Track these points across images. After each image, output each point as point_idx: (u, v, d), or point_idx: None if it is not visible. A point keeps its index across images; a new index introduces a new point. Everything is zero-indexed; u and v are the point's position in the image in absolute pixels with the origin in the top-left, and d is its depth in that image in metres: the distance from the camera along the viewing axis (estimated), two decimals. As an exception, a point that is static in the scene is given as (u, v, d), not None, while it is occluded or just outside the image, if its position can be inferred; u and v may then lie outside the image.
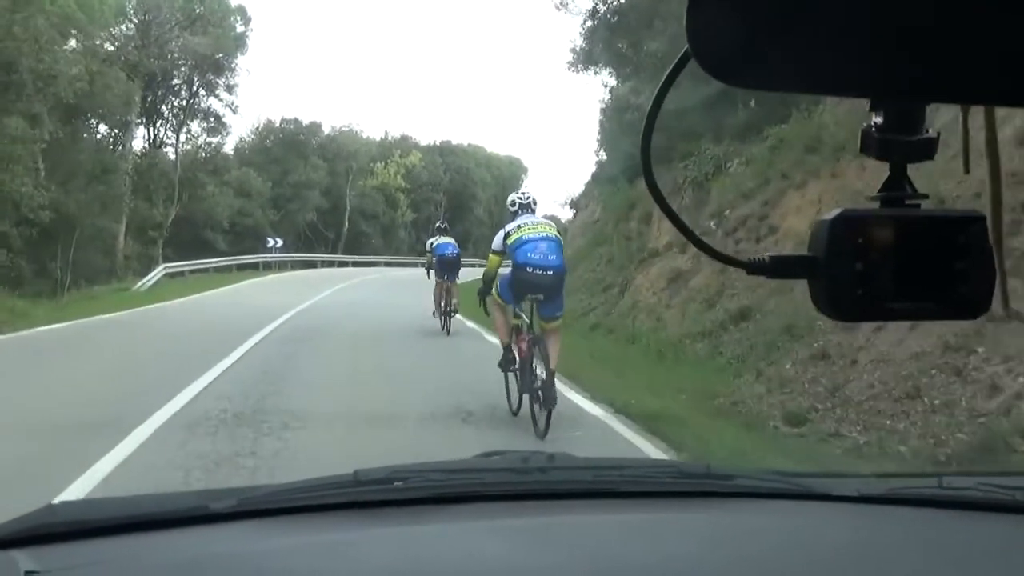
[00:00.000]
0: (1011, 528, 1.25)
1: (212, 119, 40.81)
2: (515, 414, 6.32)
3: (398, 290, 24.57)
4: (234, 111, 41.43)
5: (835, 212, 0.59)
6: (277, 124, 52.61)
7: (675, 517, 1.36)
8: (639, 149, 0.58)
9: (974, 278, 0.58)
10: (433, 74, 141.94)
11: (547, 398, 5.62)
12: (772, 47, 0.40)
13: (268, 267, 39.49)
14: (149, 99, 37.99)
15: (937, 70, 0.41)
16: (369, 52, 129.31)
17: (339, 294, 24.05)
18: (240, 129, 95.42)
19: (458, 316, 13.25)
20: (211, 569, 1.10)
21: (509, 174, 74.49)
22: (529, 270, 5.95)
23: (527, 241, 6.00)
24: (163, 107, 39.56)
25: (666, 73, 0.52)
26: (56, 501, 1.30)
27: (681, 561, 1.14)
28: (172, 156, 39.13)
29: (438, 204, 61.38)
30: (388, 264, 51.32)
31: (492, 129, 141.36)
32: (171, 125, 39.73)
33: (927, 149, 0.59)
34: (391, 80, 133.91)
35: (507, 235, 6.15)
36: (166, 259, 36.77)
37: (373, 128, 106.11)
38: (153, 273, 25.47)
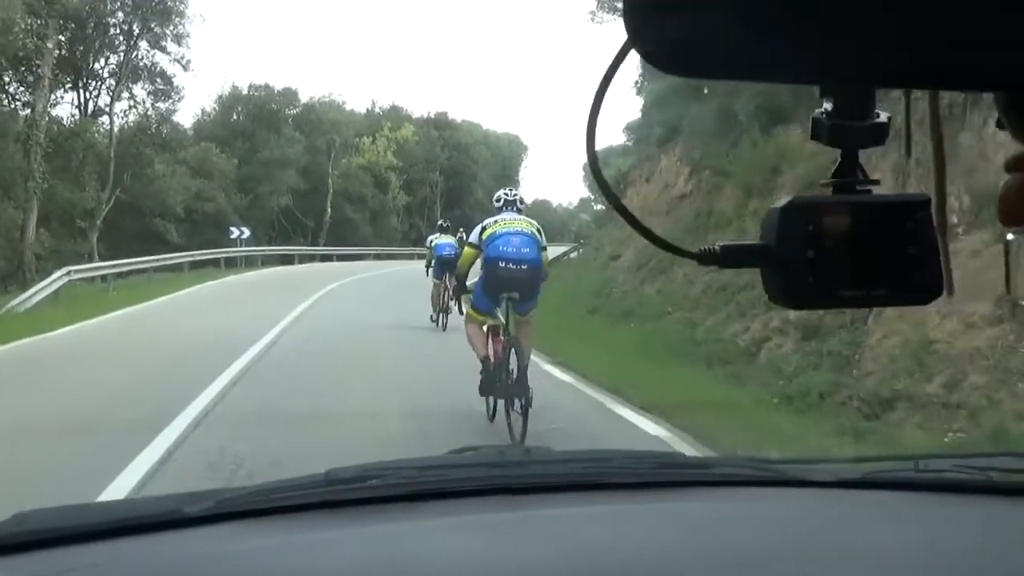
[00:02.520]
0: (987, 509, 1.28)
1: (159, 80, 32.66)
2: (491, 420, 6.03)
3: (404, 301, 16.96)
4: (185, 67, 33.44)
5: (786, 199, 0.59)
6: (245, 92, 44.47)
7: (653, 507, 1.37)
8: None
9: (926, 263, 0.59)
10: (422, 42, 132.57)
11: (522, 396, 5.54)
12: (717, 34, 0.39)
13: (232, 264, 31.66)
14: (80, 52, 29.88)
15: (887, 54, 0.41)
16: (349, 14, 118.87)
17: (321, 311, 16.29)
18: (200, 98, 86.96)
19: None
20: (186, 573, 1.11)
21: (509, 153, 66.99)
22: (502, 264, 5.80)
23: (500, 235, 5.89)
24: (98, 66, 31.45)
25: (607, 67, 0.52)
26: (27, 509, 1.24)
27: (660, 551, 1.15)
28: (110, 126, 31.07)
29: (434, 185, 53.38)
30: (378, 256, 43.54)
31: (488, 104, 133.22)
32: (109, 88, 31.60)
33: (878, 134, 0.59)
34: (375, 48, 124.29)
35: (484, 228, 6.05)
36: (101, 256, 28.91)
37: (357, 100, 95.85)
38: (46, 282, 17.50)
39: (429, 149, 52.63)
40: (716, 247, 0.61)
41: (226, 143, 41.37)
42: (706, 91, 17.03)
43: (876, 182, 0.61)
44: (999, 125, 0.47)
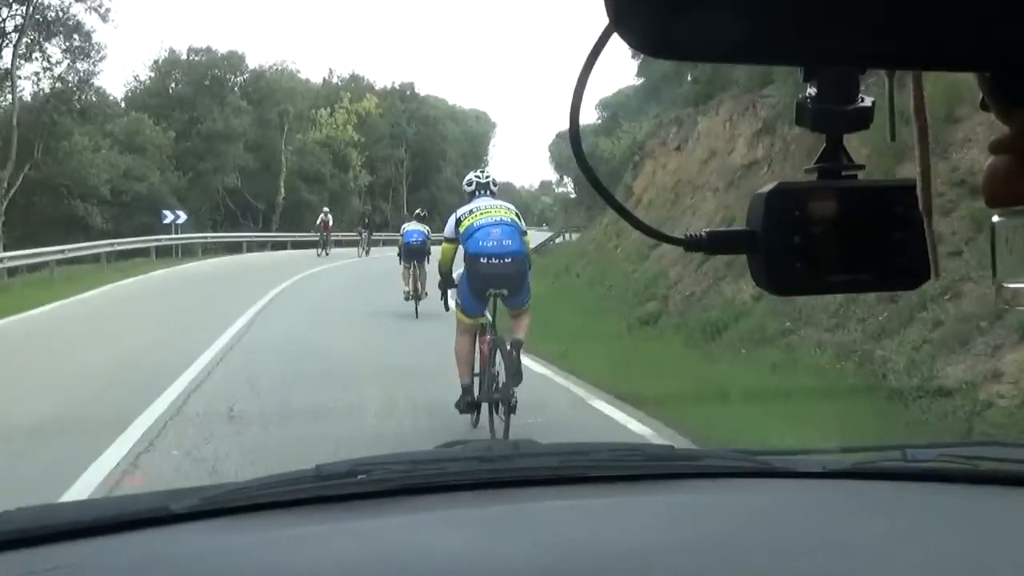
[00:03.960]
0: (974, 498, 1.29)
1: (75, 36, 27.38)
2: (475, 425, 5.51)
3: (381, 307, 12.45)
4: (104, 18, 28.03)
5: (772, 185, 0.59)
6: (184, 56, 39.11)
7: (642, 500, 1.37)
8: None
9: (912, 247, 0.59)
10: (383, 11, 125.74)
11: (507, 400, 5.22)
12: (700, 15, 0.39)
13: (167, 253, 26.69)
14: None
15: (869, 36, 0.41)
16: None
17: (269, 328, 11.69)
18: (131, 63, 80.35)
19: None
20: (172, 570, 1.10)
21: (478, 130, 62.35)
22: (483, 260, 5.34)
23: (478, 228, 5.39)
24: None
25: (589, 50, 0.52)
26: (14, 508, 1.22)
27: (648, 543, 1.15)
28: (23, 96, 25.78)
29: (399, 163, 48.46)
30: (339, 244, 38.63)
31: (454, 79, 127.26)
32: (13, 44, 26.23)
33: (863, 118, 0.60)
34: (330, 15, 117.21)
35: (459, 220, 5.52)
36: (5, 245, 23.86)
37: (312, 71, 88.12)
38: None
39: (394, 123, 47.64)
40: (703, 233, 0.61)
41: (163, 114, 36.16)
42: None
43: (861, 167, 0.61)
44: (983, 106, 0.47)
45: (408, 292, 12.34)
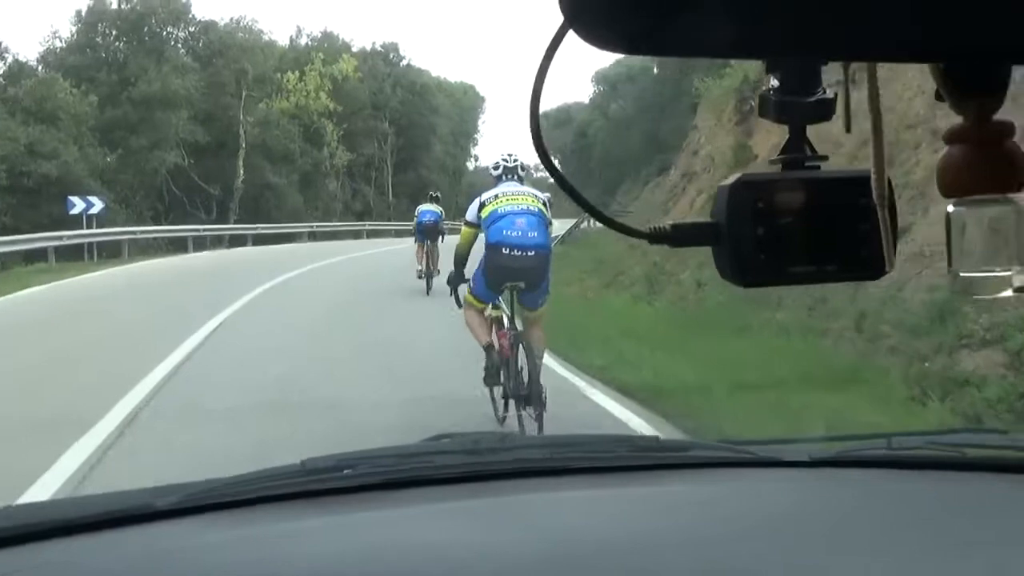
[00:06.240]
0: (959, 485, 1.30)
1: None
2: (501, 423, 5.10)
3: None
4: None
5: (735, 177, 0.60)
6: (114, 5, 31.25)
7: (629, 491, 1.37)
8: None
9: (873, 238, 0.59)
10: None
11: (537, 403, 4.82)
12: (655, 10, 0.39)
13: (75, 255, 19.18)
14: None
15: (825, 27, 0.41)
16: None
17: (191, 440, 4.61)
18: (47, 15, 69.98)
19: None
20: (159, 566, 1.10)
21: (467, 104, 55.07)
22: (504, 251, 4.96)
23: (502, 216, 5.01)
24: None
25: (545, 47, 0.53)
26: (14, 504, 1.21)
27: (637, 533, 1.15)
28: None
29: (383, 139, 40.84)
30: (314, 235, 31.23)
31: (439, 49, 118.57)
32: None
33: (825, 109, 0.60)
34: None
35: (482, 205, 5.12)
36: None
37: (276, 32, 73.98)
38: None
39: (376, 90, 39.99)
40: (667, 226, 0.61)
41: (86, 76, 28.46)
42: None
43: (824, 158, 0.61)
44: (938, 97, 0.47)
45: (420, 270, 12.75)
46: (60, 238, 18.50)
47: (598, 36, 0.41)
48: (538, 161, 0.79)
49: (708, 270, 13.70)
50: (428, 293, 12.08)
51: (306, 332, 8.75)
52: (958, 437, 1.43)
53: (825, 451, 1.42)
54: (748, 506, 1.25)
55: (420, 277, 12.80)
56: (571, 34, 0.44)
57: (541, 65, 0.53)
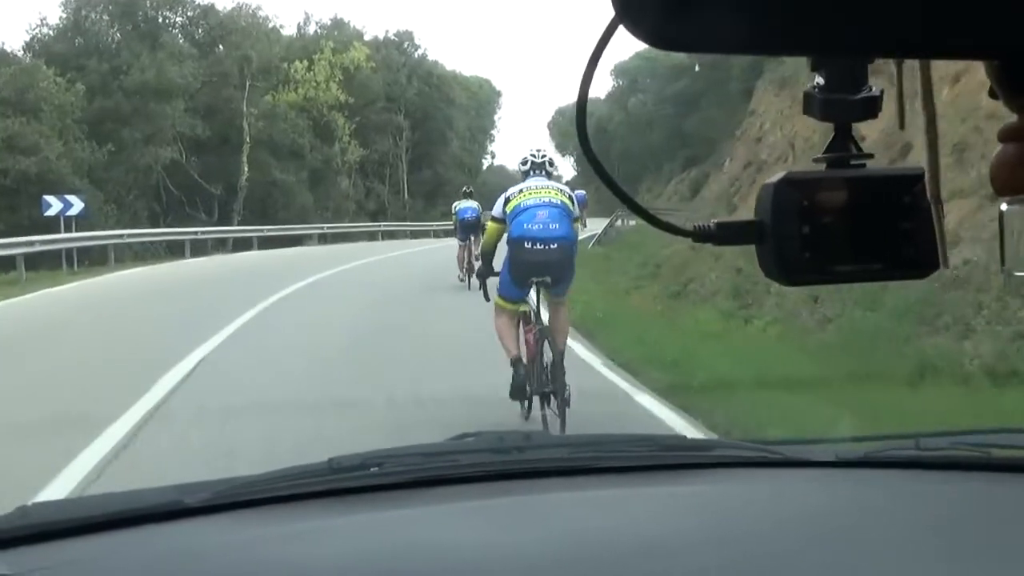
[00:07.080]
0: (988, 485, 1.29)
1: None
2: (526, 418, 5.14)
3: None
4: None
5: (780, 175, 0.60)
6: (106, -11, 28.70)
7: (654, 491, 1.37)
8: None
9: (920, 237, 0.59)
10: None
11: (559, 392, 4.81)
12: (707, 8, 0.40)
13: (53, 263, 16.66)
14: None
15: (876, 24, 0.41)
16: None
17: None
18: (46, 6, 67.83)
19: None
20: (187, 563, 1.11)
21: (483, 98, 52.58)
22: (527, 245, 4.99)
23: (524, 209, 5.03)
24: None
25: (595, 44, 0.52)
26: (29, 503, 1.24)
27: (661, 533, 1.15)
28: None
29: (398, 134, 38.19)
30: (324, 237, 28.68)
31: (453, 43, 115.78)
32: None
33: (871, 107, 0.60)
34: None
35: (507, 200, 5.17)
36: None
37: (282, 20, 73.47)
38: None
39: (391, 81, 37.32)
40: (711, 224, 0.61)
41: (74, 65, 25.96)
42: None
43: (870, 156, 0.61)
44: (991, 95, 0.47)
45: (461, 275, 12.73)
46: (31, 244, 15.86)
47: (650, 33, 0.41)
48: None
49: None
50: (470, 288, 11.64)
51: (315, 391, 6.10)
52: (985, 438, 1.39)
53: (852, 451, 1.41)
54: (774, 506, 1.26)
55: (461, 280, 12.76)
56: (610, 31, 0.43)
57: (590, 62, 0.52)
